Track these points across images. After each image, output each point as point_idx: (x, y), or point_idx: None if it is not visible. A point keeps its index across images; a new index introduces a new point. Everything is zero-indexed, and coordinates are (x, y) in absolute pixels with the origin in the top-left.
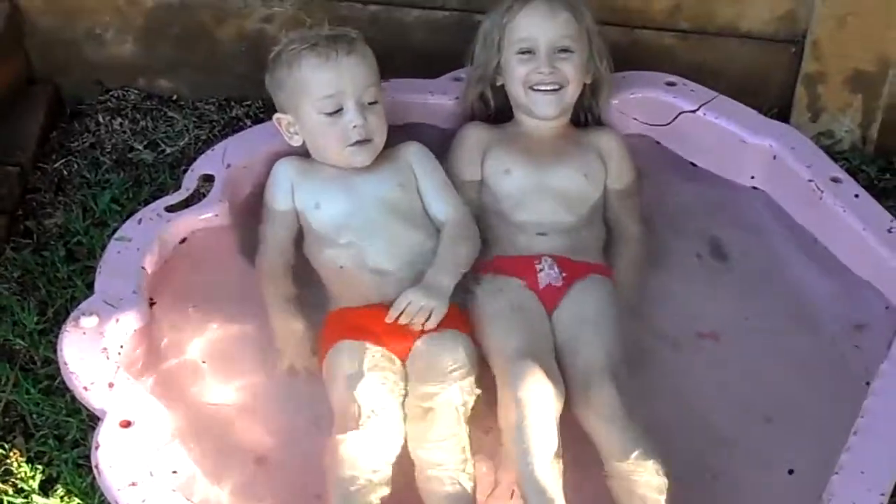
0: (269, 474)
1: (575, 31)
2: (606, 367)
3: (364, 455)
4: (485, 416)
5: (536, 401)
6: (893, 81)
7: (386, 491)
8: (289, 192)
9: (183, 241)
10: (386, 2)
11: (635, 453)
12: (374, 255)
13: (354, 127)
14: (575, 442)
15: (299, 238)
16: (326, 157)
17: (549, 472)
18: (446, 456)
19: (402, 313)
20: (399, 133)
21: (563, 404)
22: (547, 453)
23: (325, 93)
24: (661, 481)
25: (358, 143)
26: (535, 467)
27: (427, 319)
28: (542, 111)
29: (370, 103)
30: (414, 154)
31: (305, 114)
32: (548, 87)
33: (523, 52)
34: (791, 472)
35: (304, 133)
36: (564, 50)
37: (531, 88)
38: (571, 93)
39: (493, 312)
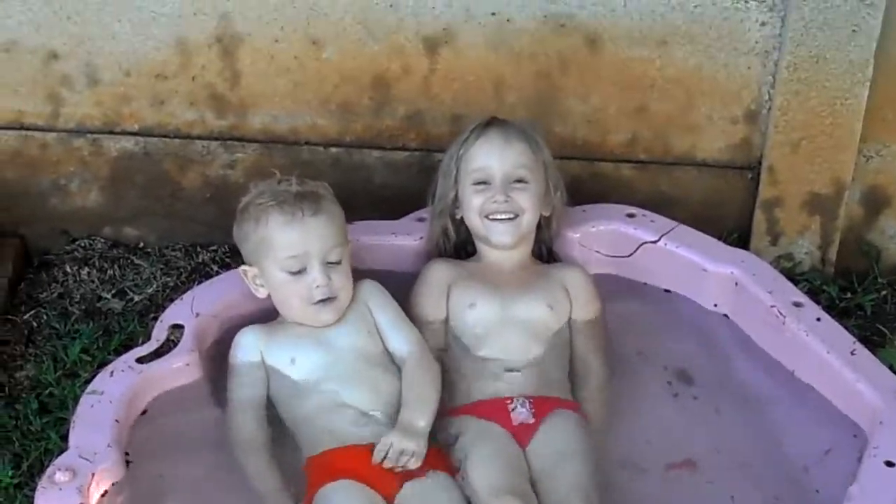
0: None
1: (530, 162)
2: (583, 497)
3: None
4: None
5: None
6: (849, 203)
7: None
8: (258, 355)
9: (156, 391)
10: (347, 144)
11: None
12: (356, 402)
13: (318, 287)
14: None
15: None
16: (291, 314)
17: None
18: None
19: (384, 458)
20: (362, 276)
21: None
22: None
23: (289, 253)
24: None
25: (321, 301)
26: None
27: (409, 461)
28: (498, 239)
29: (335, 262)
30: (368, 293)
31: (270, 270)
32: (503, 216)
33: (479, 183)
34: None
35: (269, 287)
36: (519, 181)
37: (487, 218)
38: (528, 222)
39: (472, 456)
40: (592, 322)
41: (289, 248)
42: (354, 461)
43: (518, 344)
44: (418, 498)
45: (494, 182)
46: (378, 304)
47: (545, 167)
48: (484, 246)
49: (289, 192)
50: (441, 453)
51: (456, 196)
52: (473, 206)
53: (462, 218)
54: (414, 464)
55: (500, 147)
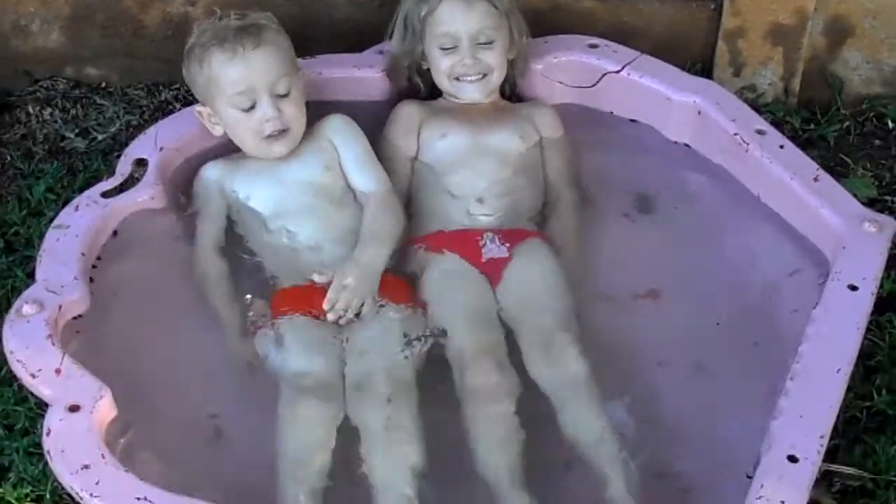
0: (225, 447)
1: (494, 21)
2: (564, 327)
3: (307, 430)
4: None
5: (491, 398)
6: (812, 33)
7: (328, 462)
8: (217, 191)
9: (121, 224)
10: None
11: (602, 420)
12: (308, 237)
13: (268, 121)
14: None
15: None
16: (246, 149)
17: (510, 472)
18: (388, 425)
19: (334, 310)
20: (327, 109)
21: (517, 394)
22: (505, 452)
23: (236, 90)
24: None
25: (273, 134)
26: (494, 467)
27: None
28: (468, 97)
29: (283, 95)
30: (334, 129)
31: (221, 109)
32: (473, 77)
33: (445, 48)
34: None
35: (224, 125)
36: (486, 42)
37: (457, 79)
38: (497, 78)
39: (437, 295)
40: (561, 149)
41: (234, 85)
42: (309, 296)
43: (488, 168)
44: (368, 327)
45: (461, 45)
46: (344, 139)
47: (508, 18)
48: (453, 97)
49: (229, 28)
50: (401, 283)
51: (423, 51)
52: (442, 69)
53: (429, 69)
54: (366, 308)
55: (463, 11)
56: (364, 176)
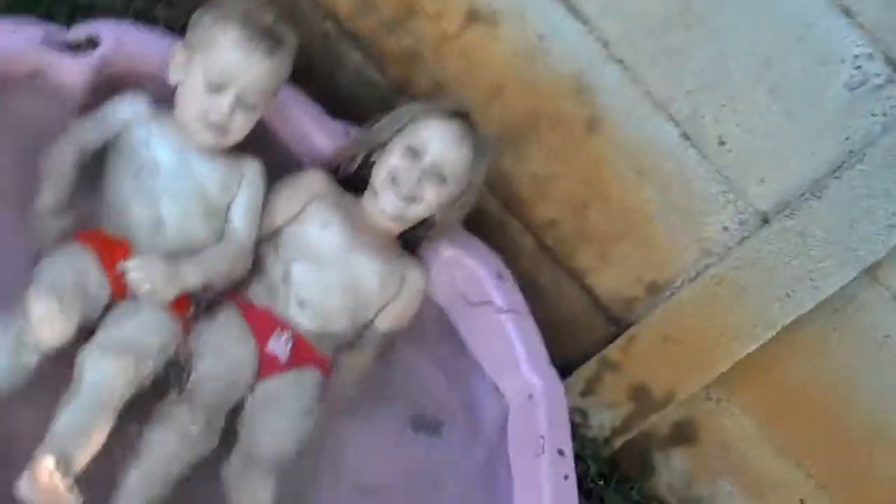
0: None
1: (463, 172)
2: (274, 460)
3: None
4: None
5: (174, 430)
6: (666, 415)
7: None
8: (127, 120)
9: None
10: None
11: None
12: (163, 216)
13: (216, 113)
14: None
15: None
16: (182, 117)
17: None
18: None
19: (134, 273)
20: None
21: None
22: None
23: (220, 70)
24: None
25: (211, 125)
26: None
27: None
28: (381, 206)
29: (248, 105)
30: (250, 169)
31: (194, 68)
32: (402, 193)
33: (411, 150)
34: None
35: (182, 80)
36: (442, 177)
37: (391, 181)
38: (419, 212)
39: (206, 341)
40: (402, 310)
41: (222, 67)
42: (112, 245)
43: (334, 284)
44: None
45: (422, 161)
46: (250, 183)
47: (469, 185)
48: (370, 197)
49: (260, 19)
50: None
51: (386, 143)
52: (388, 164)
53: (374, 162)
54: (146, 294)
55: (451, 141)
56: (241, 222)
